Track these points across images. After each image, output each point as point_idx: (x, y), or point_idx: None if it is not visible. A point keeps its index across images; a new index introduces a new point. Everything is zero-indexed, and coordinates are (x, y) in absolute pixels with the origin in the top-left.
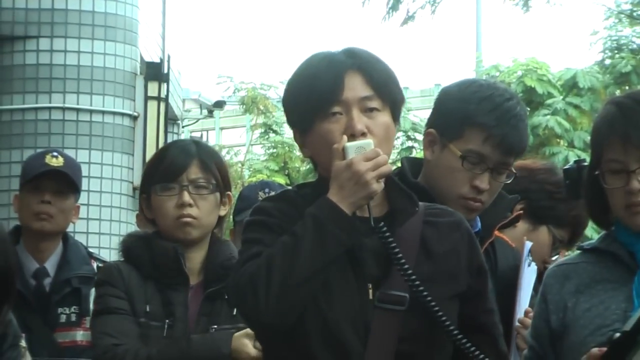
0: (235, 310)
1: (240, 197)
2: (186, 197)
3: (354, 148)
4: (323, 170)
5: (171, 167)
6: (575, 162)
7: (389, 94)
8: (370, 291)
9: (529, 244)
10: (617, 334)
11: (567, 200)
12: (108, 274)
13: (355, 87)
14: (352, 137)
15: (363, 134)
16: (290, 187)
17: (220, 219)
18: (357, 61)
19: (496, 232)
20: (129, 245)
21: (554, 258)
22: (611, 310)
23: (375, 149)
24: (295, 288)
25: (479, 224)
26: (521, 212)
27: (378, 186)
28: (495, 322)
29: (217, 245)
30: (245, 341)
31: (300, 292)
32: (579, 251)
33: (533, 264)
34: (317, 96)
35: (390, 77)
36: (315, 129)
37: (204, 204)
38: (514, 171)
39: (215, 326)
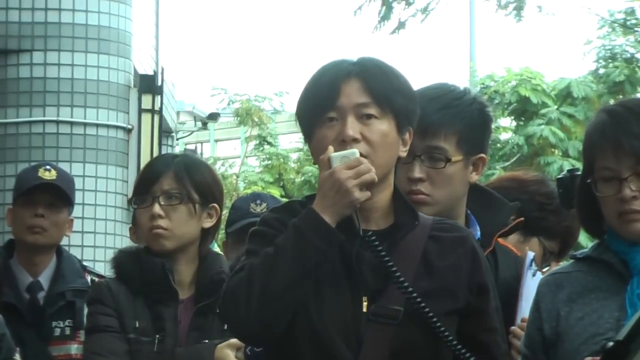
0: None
1: (232, 209)
2: (156, 208)
3: (338, 158)
4: None
5: (145, 180)
6: (569, 171)
7: (389, 102)
8: (365, 304)
9: (531, 254)
10: (610, 343)
11: (557, 212)
12: (98, 292)
13: (352, 93)
14: (343, 142)
15: (354, 140)
16: (288, 199)
17: (205, 231)
18: (359, 68)
19: (500, 241)
20: (119, 262)
21: (544, 269)
22: (604, 319)
23: (359, 157)
24: (274, 299)
25: (478, 232)
26: (522, 219)
27: (361, 195)
28: (497, 341)
29: (209, 259)
30: (227, 351)
31: (280, 301)
32: (571, 260)
33: (539, 274)
34: (315, 102)
35: (393, 86)
36: (315, 136)
37: (175, 214)
38: (450, 158)
39: (207, 341)
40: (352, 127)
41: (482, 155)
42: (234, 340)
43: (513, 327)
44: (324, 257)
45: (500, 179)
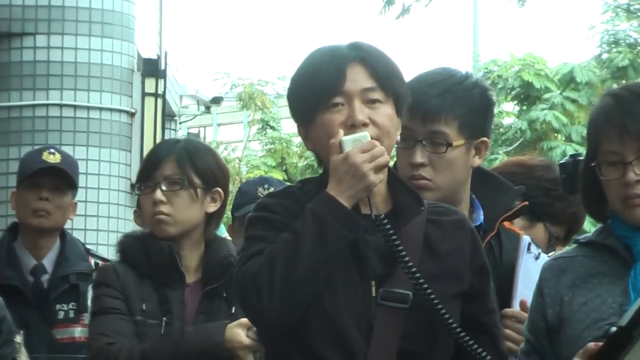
0: (233, 308)
1: (239, 193)
2: (158, 194)
3: (350, 141)
4: (326, 163)
5: (147, 166)
6: (571, 156)
7: (391, 86)
8: (374, 288)
9: (526, 238)
10: (613, 329)
11: (563, 198)
12: (104, 274)
13: (358, 78)
14: (353, 127)
15: (364, 125)
16: (292, 184)
17: (210, 216)
18: (360, 53)
19: (506, 224)
20: (125, 246)
21: (550, 254)
22: (607, 304)
23: (372, 140)
24: (298, 285)
25: (482, 217)
26: (526, 203)
27: (376, 178)
28: (496, 321)
29: (215, 243)
30: (238, 330)
31: (303, 289)
32: (575, 245)
33: (543, 256)
34: (319, 87)
35: (393, 70)
36: (317, 121)
37: (177, 200)
38: (452, 142)
39: None
40: (361, 112)
41: (485, 139)
42: (244, 320)
43: (504, 310)
44: (345, 242)
45: (506, 164)
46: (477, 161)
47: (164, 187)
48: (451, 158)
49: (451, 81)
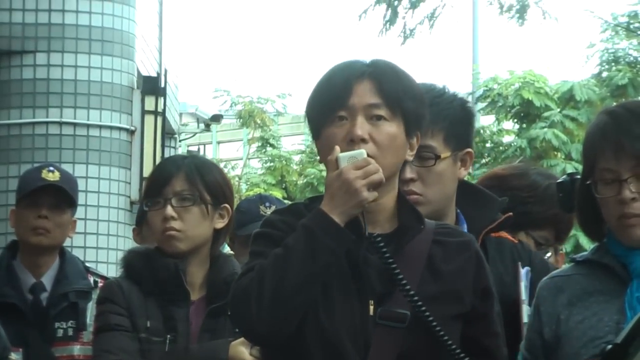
0: None
1: (240, 211)
2: (169, 210)
3: (346, 158)
4: None
5: (156, 181)
6: (569, 175)
7: (399, 104)
8: (372, 307)
9: (525, 270)
10: (609, 346)
11: (541, 202)
12: (109, 290)
13: (364, 93)
14: (352, 142)
15: (363, 140)
16: (292, 202)
17: (217, 232)
18: (372, 69)
19: (493, 235)
20: (130, 262)
21: (547, 256)
22: (604, 322)
23: (367, 158)
24: (287, 298)
25: (466, 230)
26: (510, 214)
27: (369, 195)
28: (500, 345)
29: (220, 261)
30: (241, 348)
31: (292, 301)
32: (572, 263)
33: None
34: (326, 100)
35: (405, 89)
36: (323, 134)
37: (188, 216)
38: (440, 154)
39: None
40: (362, 127)
41: (469, 150)
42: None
43: None
44: (335, 257)
45: (481, 180)
46: (463, 172)
47: (174, 203)
48: (440, 171)
49: (432, 94)
